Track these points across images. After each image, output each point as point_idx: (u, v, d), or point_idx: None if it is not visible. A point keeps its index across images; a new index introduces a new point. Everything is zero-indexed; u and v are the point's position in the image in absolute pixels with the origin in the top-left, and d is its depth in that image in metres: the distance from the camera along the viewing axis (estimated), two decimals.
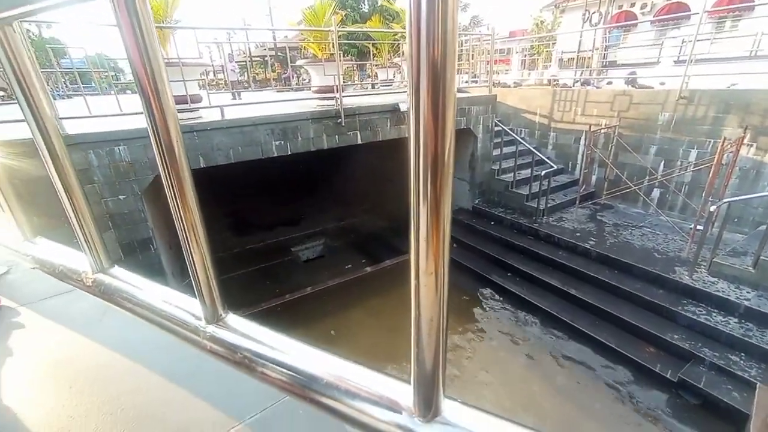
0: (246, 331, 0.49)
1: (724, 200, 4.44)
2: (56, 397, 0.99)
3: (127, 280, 0.61)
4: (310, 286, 6.16)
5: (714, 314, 4.21)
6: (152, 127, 0.41)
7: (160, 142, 0.41)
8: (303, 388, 0.41)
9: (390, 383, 0.36)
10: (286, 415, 1.10)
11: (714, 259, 4.53)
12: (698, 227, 4.92)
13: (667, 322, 4.36)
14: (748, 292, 4.24)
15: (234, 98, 7.23)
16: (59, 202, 0.62)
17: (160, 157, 0.42)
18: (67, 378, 0.99)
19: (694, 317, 4.19)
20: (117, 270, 0.64)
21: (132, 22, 0.36)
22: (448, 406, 0.34)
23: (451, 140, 0.26)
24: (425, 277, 0.27)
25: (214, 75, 13.32)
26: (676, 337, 4.14)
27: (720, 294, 4.26)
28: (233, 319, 0.51)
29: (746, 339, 3.84)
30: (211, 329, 0.50)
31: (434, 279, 0.27)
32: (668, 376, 3.90)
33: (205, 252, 0.49)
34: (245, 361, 0.46)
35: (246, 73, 10.77)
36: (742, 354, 3.84)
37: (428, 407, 0.33)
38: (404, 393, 0.34)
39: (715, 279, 4.49)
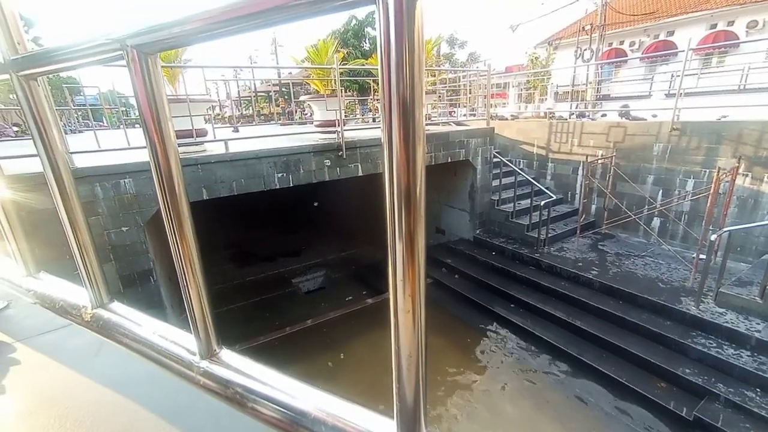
0: (239, 367, 0.49)
1: (725, 229, 4.44)
2: None
3: (124, 315, 0.63)
4: (310, 319, 6.06)
5: (725, 347, 4.09)
6: (154, 163, 0.44)
7: (162, 177, 0.44)
8: (292, 423, 0.42)
9: (375, 418, 0.37)
10: None
11: (720, 289, 4.46)
12: (701, 256, 4.88)
13: (676, 355, 4.22)
14: (757, 324, 4.14)
15: (234, 131, 7.38)
16: (64, 236, 0.64)
17: (161, 191, 0.44)
18: (58, 415, 0.97)
19: (705, 350, 4.07)
20: (116, 305, 0.65)
21: (143, 74, 0.41)
22: None
23: (422, 176, 0.27)
24: (403, 315, 0.29)
25: (221, 109, 13.81)
26: (687, 371, 4.00)
27: (729, 325, 4.15)
28: (227, 354, 0.52)
29: (760, 373, 3.71)
30: (205, 364, 0.51)
31: (411, 316, 0.29)
32: (684, 414, 3.73)
33: (201, 286, 0.50)
34: (237, 397, 0.47)
35: (251, 108, 11.17)
36: (758, 389, 3.70)
37: None
38: (388, 428, 0.35)
39: (723, 310, 4.40)
